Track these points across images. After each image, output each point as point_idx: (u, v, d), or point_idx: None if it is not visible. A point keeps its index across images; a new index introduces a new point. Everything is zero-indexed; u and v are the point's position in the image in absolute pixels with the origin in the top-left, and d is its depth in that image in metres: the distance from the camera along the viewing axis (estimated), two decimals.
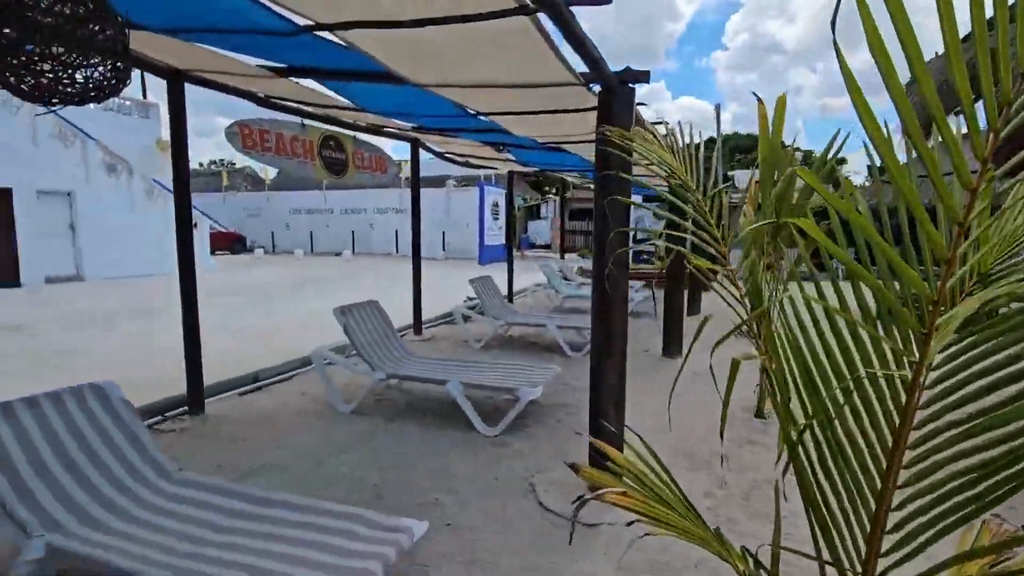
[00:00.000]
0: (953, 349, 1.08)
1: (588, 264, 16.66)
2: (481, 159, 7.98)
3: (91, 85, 1.99)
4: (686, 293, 7.09)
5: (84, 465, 2.21)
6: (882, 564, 1.11)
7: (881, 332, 1.15)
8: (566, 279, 10.94)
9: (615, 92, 2.70)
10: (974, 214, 0.92)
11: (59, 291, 11.92)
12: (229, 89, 4.08)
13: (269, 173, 26.27)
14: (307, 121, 5.11)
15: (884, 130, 0.91)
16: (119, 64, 2.02)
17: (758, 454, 3.52)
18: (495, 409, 4.20)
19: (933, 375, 1.07)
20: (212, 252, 18.89)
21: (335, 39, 2.63)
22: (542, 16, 2.05)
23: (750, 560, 1.11)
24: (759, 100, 1.59)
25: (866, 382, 1.13)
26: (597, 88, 2.82)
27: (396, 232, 25.10)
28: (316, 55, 3.02)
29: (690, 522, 1.02)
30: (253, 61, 3.26)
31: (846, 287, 1.17)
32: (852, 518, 1.14)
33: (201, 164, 45.53)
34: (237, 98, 4.19)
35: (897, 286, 1.14)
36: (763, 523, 2.68)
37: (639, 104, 2.94)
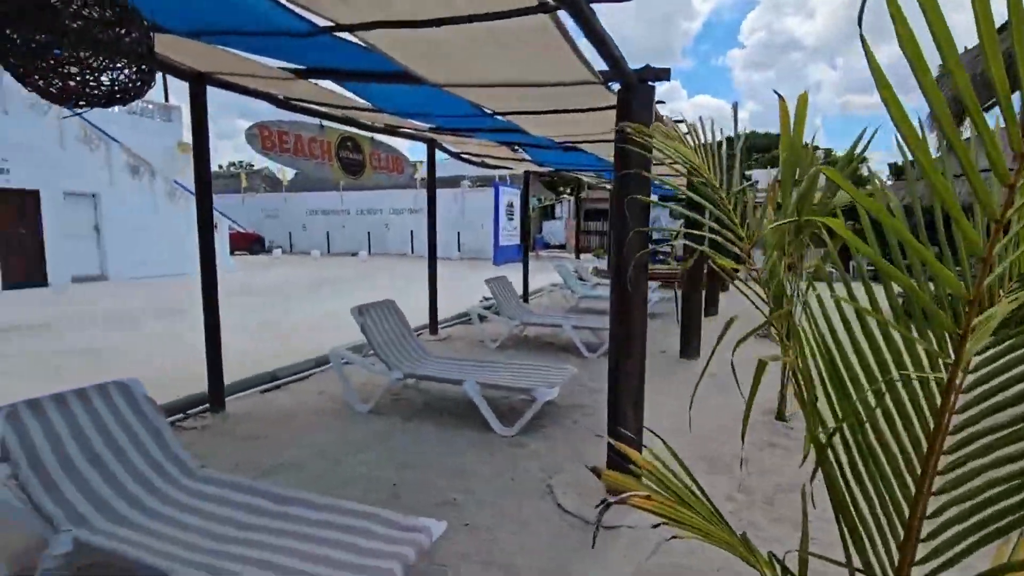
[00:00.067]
0: (991, 352, 1.05)
1: (603, 264, 16.58)
2: (497, 159, 7.98)
3: (117, 87, 2.03)
4: (704, 294, 7.01)
5: (109, 460, 2.25)
6: (915, 573, 1.08)
7: (914, 333, 1.11)
8: (581, 279, 10.90)
9: (635, 90, 2.67)
10: (1012, 210, 0.89)
11: (85, 290, 12.21)
12: (250, 91, 4.14)
13: (287, 174, 26.62)
14: (325, 122, 5.16)
15: (917, 126, 0.88)
16: (144, 67, 2.05)
17: (779, 457, 3.46)
18: (511, 409, 4.19)
19: (970, 378, 1.04)
20: (231, 252, 19.18)
21: (354, 40, 2.64)
22: (561, 14, 2.04)
23: (777, 566, 1.08)
24: (780, 97, 1.56)
25: (899, 384, 1.10)
26: (616, 87, 2.80)
27: (411, 233, 25.23)
28: (335, 56, 3.04)
29: (715, 526, 1.00)
30: (273, 63, 3.30)
31: (871, 287, 1.14)
32: (884, 524, 1.11)
33: (220, 166, 46.28)
34: (256, 101, 4.25)
35: (931, 286, 1.11)
36: (786, 528, 2.63)
37: (657, 102, 2.91)
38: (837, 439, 1.15)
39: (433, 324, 7.25)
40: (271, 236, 28.22)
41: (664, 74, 2.68)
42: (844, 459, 1.15)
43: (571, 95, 3.21)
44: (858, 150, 2.08)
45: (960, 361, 0.97)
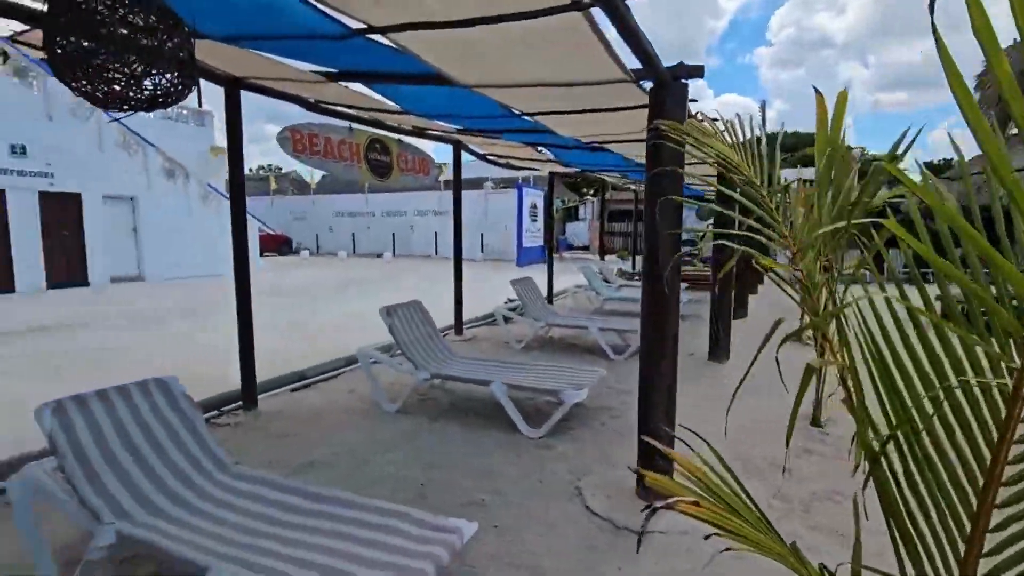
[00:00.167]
0: None
1: (627, 266, 16.41)
2: (522, 160, 7.97)
3: (159, 92, 2.08)
4: (733, 295, 6.87)
5: (148, 455, 2.31)
6: None
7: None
8: (606, 281, 10.81)
9: (668, 87, 2.63)
10: None
11: (123, 290, 12.64)
12: (282, 95, 4.22)
13: (315, 177, 27.09)
14: (354, 125, 5.22)
15: (986, 121, 0.83)
16: (185, 72, 2.10)
17: (816, 464, 3.36)
18: (536, 410, 4.17)
19: None
20: (260, 254, 19.65)
21: (386, 42, 2.66)
22: (594, 11, 2.02)
23: None
24: (818, 93, 1.51)
25: (958, 391, 1.05)
26: (647, 85, 2.76)
27: (435, 234, 25.42)
28: (367, 59, 3.07)
29: (765, 535, 0.96)
30: (305, 67, 3.35)
31: (925, 288, 1.09)
32: (943, 536, 1.05)
33: (250, 169, 47.29)
34: (285, 105, 4.32)
35: (992, 288, 1.05)
36: (827, 537, 2.55)
37: (690, 100, 2.86)
38: (889, 446, 1.10)
39: (458, 325, 7.28)
40: (299, 238, 28.78)
41: (697, 71, 2.63)
42: (898, 467, 1.10)
43: (600, 94, 3.18)
44: (902, 148, 2.01)
45: None
